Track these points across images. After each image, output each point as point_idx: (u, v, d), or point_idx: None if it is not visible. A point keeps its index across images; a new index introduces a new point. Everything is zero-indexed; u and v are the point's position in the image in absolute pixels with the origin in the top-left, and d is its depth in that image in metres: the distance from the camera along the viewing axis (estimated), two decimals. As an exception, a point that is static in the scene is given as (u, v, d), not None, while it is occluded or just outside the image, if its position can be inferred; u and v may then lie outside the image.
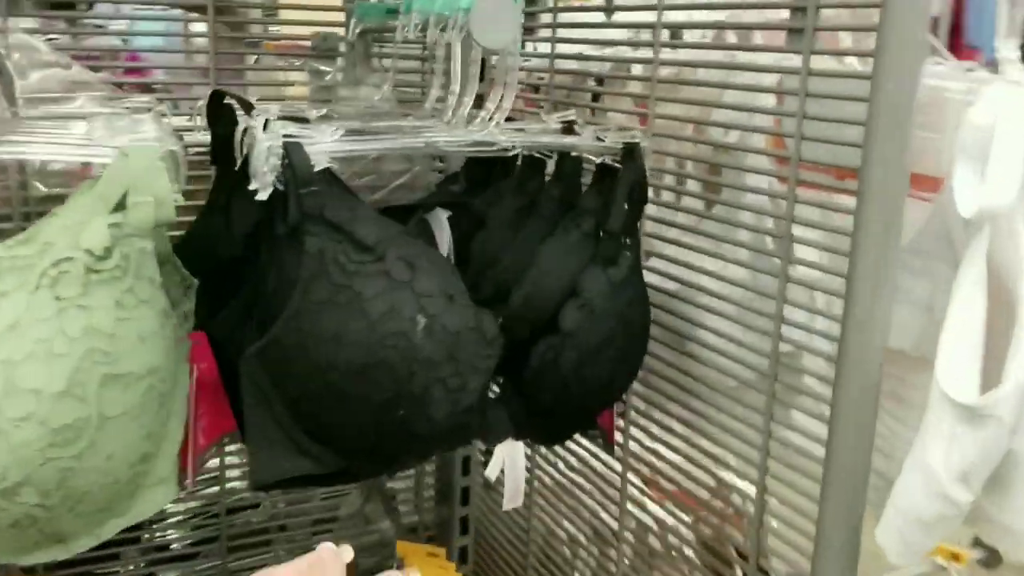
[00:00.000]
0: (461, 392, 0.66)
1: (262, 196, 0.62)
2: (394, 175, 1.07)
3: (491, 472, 0.74)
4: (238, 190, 0.67)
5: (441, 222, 0.85)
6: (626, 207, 0.77)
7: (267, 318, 0.65)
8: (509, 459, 0.75)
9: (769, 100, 0.81)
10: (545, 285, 0.73)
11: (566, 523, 1.13)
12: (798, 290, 0.75)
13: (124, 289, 0.61)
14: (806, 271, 0.74)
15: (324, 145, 0.63)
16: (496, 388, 0.75)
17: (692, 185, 0.94)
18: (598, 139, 0.78)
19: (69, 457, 0.58)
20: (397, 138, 0.70)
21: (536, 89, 1.10)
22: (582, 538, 1.12)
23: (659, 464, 0.93)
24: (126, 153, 0.61)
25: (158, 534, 1.14)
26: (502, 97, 0.73)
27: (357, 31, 0.91)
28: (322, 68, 1.00)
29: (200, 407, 0.73)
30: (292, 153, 0.62)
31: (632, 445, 0.96)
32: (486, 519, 1.28)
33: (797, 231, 0.74)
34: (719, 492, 0.93)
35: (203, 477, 1.09)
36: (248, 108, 0.73)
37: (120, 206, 0.61)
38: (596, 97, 1.03)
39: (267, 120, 0.63)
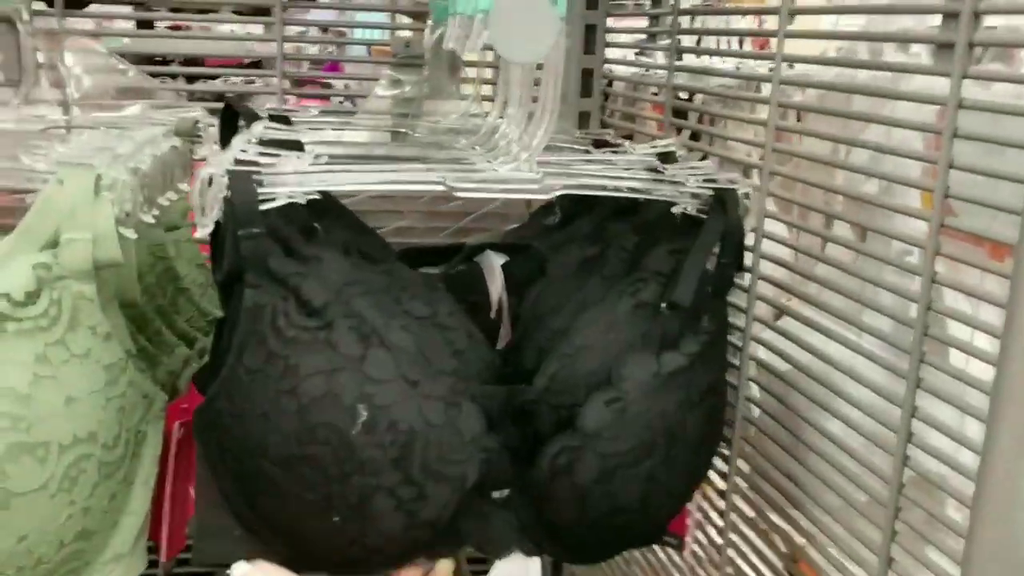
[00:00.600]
0: (420, 503, 0.52)
1: (201, 233, 0.51)
2: (485, 201, 0.94)
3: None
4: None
5: (493, 267, 0.70)
6: (709, 273, 0.60)
7: (207, 379, 0.54)
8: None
9: (918, 142, 0.61)
10: (577, 367, 0.58)
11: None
12: (934, 400, 0.55)
13: (51, 342, 0.51)
14: (942, 379, 0.54)
15: (285, 178, 0.51)
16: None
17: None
18: (676, 180, 0.61)
19: (-36, 538, 0.49)
20: (392, 172, 0.56)
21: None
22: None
23: None
24: (61, 180, 0.51)
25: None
26: (544, 121, 0.58)
27: (435, 35, 0.78)
28: (402, 78, 0.89)
29: (187, 471, 0.64)
30: (234, 186, 0.50)
31: (731, 552, 0.77)
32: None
33: (935, 325, 0.54)
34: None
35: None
36: (251, 120, 0.63)
37: (52, 243, 0.51)
38: (712, 121, 0.86)
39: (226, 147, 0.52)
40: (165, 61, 1.76)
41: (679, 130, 0.89)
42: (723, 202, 0.61)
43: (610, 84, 1.01)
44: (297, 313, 0.51)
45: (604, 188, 0.60)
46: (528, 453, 0.58)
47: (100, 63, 0.82)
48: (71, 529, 0.54)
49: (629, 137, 0.88)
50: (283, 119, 0.72)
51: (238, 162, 0.51)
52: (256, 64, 1.85)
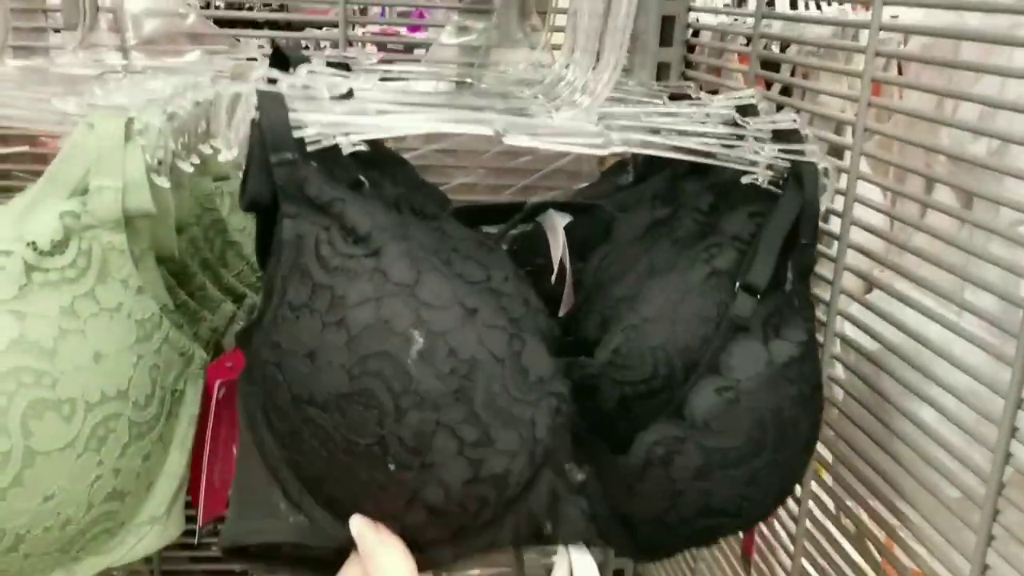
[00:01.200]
0: (485, 449, 0.47)
1: (223, 157, 0.47)
2: (553, 156, 0.89)
3: (546, 585, 0.55)
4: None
5: (555, 228, 0.65)
6: (802, 251, 0.54)
7: (250, 329, 0.50)
8: (581, 570, 0.55)
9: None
10: (645, 338, 0.52)
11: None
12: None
13: (79, 294, 0.49)
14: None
15: (320, 105, 0.47)
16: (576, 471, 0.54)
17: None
18: (756, 136, 0.55)
19: (-10, 494, 0.47)
20: (438, 117, 0.51)
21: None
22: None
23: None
24: (91, 123, 0.48)
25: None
26: (608, 67, 0.52)
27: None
28: (469, 25, 0.84)
29: (230, 433, 0.62)
30: (263, 108, 0.46)
31: (806, 543, 0.72)
32: None
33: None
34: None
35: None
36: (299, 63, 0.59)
37: (81, 190, 0.49)
38: (805, 74, 0.78)
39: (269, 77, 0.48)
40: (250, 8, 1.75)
41: (768, 84, 0.82)
42: (799, 177, 0.55)
43: (696, 34, 0.94)
44: (342, 241, 0.47)
45: (670, 148, 0.54)
46: (589, 430, 0.53)
47: (161, 7, 0.80)
48: (101, 490, 0.52)
49: (715, 92, 0.81)
50: (341, 65, 0.68)
51: (271, 82, 0.47)
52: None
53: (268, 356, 0.49)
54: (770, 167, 0.56)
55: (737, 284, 0.52)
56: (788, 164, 0.55)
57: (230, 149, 0.46)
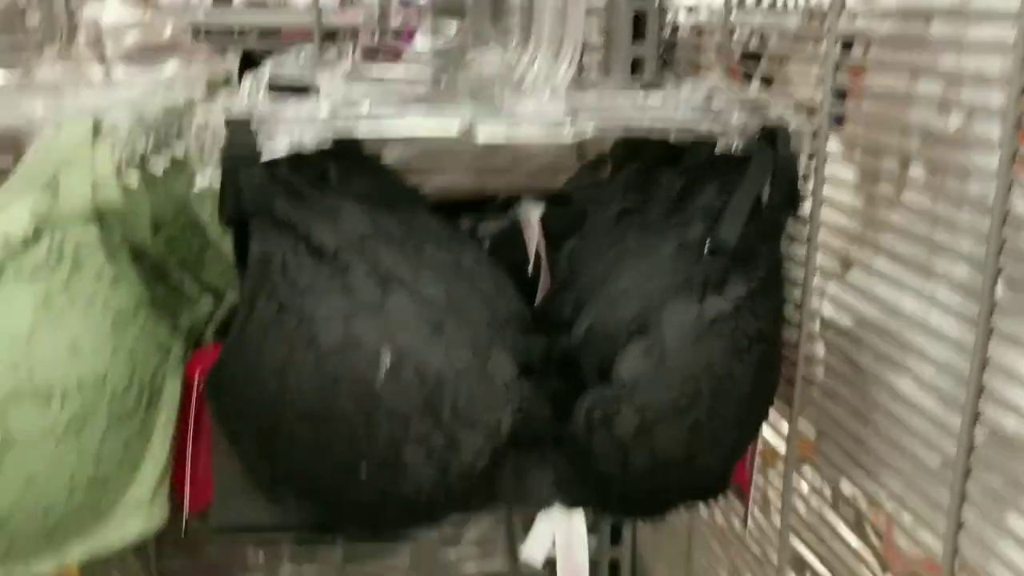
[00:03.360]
0: (452, 453, 0.49)
1: (200, 184, 0.49)
2: (532, 156, 0.89)
3: (530, 551, 0.56)
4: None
5: (530, 220, 0.66)
6: (759, 214, 0.55)
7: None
8: (562, 534, 0.56)
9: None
10: (615, 314, 0.53)
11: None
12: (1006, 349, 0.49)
13: (53, 287, 0.50)
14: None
15: (287, 125, 0.48)
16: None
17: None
18: (722, 112, 0.56)
19: (-33, 481, 0.48)
20: (406, 117, 0.52)
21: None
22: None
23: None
24: (59, 125, 0.49)
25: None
26: (566, 59, 0.53)
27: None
28: (442, 28, 0.85)
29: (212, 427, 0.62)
30: (232, 136, 0.48)
31: (792, 520, 0.72)
32: (646, 560, 1.08)
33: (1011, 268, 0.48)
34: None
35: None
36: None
37: (52, 187, 0.50)
38: (781, 63, 0.79)
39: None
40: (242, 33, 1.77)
41: (747, 76, 0.83)
42: (773, 137, 0.56)
43: (675, 32, 0.96)
44: (309, 259, 0.48)
45: (639, 124, 0.55)
46: (564, 408, 0.54)
47: (139, 20, 0.81)
48: (82, 477, 0.53)
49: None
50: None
51: (236, 110, 0.48)
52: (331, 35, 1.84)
53: (238, 368, 0.50)
54: (742, 133, 0.56)
55: (706, 245, 0.53)
56: (759, 129, 0.56)
57: (203, 175, 0.48)
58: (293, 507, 0.53)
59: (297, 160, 0.49)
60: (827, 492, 0.69)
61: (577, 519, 0.57)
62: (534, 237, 0.66)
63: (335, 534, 0.55)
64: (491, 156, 0.91)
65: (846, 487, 0.67)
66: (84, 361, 0.51)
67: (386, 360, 0.46)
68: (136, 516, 0.58)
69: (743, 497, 0.70)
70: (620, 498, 0.56)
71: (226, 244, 0.69)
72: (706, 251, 0.53)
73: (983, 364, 0.49)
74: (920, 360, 0.56)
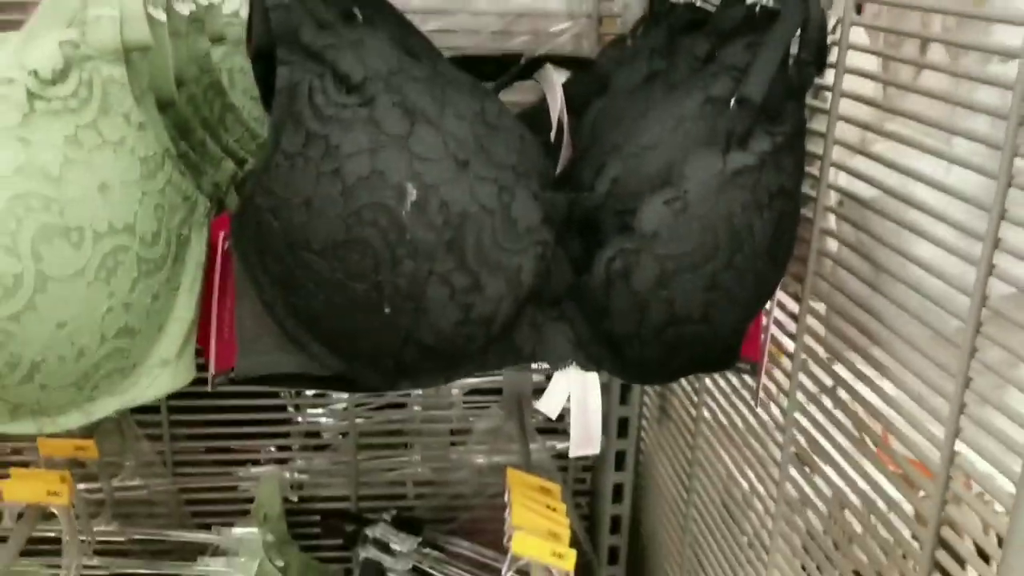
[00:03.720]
0: (474, 295, 0.49)
1: (230, 6, 0.49)
2: (553, 36, 0.89)
3: (547, 405, 0.57)
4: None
5: (553, 84, 0.66)
6: (786, 70, 0.55)
7: (245, 177, 0.52)
8: (576, 393, 0.57)
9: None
10: (639, 167, 0.53)
11: (732, 467, 0.92)
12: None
13: (82, 124, 0.50)
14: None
15: None
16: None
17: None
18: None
19: (4, 318, 0.49)
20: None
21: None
22: (746, 487, 0.91)
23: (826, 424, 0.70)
24: (86, -43, 0.49)
25: (298, 420, 1.09)
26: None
27: None
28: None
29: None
30: None
31: (800, 396, 0.73)
32: (650, 453, 1.10)
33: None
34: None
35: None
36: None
37: (80, 21, 0.50)
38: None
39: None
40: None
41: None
42: None
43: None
44: (335, 89, 0.48)
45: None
46: (584, 264, 0.55)
47: None
48: (113, 323, 0.53)
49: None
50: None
51: None
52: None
53: (263, 203, 0.50)
54: None
55: (732, 99, 0.53)
56: None
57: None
58: (316, 354, 0.54)
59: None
60: (829, 383, 0.70)
61: (592, 379, 0.58)
62: (556, 102, 0.66)
63: (354, 384, 0.55)
64: (508, 37, 0.90)
65: (843, 393, 0.68)
66: (114, 204, 0.51)
67: (412, 193, 0.47)
68: (163, 373, 0.59)
69: (755, 372, 0.71)
70: (634, 359, 0.57)
71: (247, 110, 0.69)
72: (732, 104, 0.53)
73: (994, 243, 0.50)
74: (936, 222, 0.57)
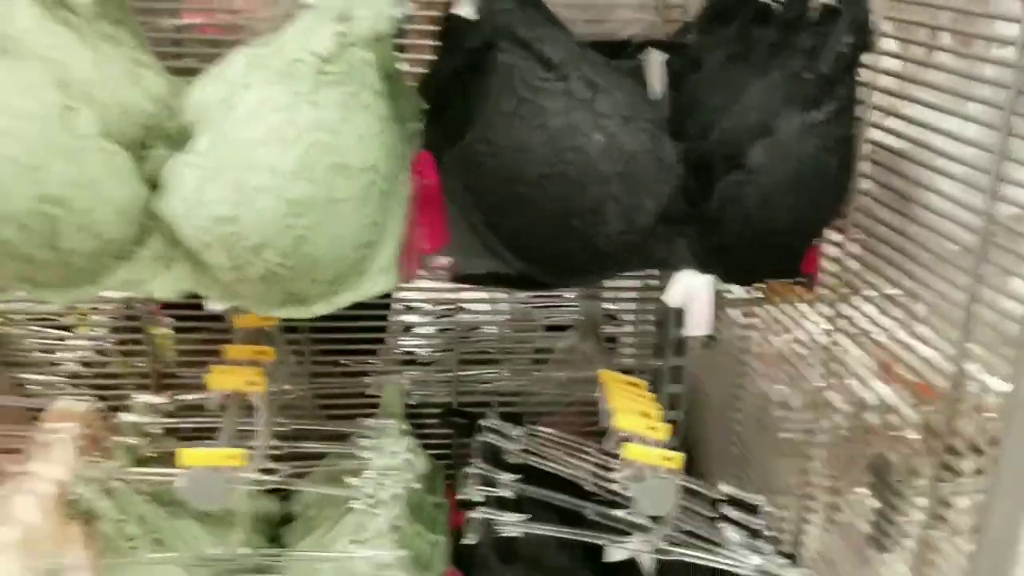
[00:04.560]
0: (635, 211, 0.70)
1: (465, 12, 0.68)
2: (626, 24, 1.08)
3: (670, 297, 0.78)
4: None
5: (654, 63, 0.86)
6: (848, 51, 0.75)
7: (461, 130, 0.72)
8: (691, 287, 0.78)
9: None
10: (740, 123, 0.74)
11: (779, 387, 1.13)
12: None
13: (348, 92, 0.70)
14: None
15: None
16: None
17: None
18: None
19: (302, 227, 0.69)
20: None
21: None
22: (794, 403, 1.12)
23: (873, 332, 0.91)
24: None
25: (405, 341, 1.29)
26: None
27: None
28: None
29: (422, 217, 0.82)
30: None
31: (847, 309, 0.94)
32: (702, 375, 1.31)
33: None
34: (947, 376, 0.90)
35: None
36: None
37: (344, 18, 0.69)
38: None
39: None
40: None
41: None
42: None
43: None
44: (540, 69, 0.68)
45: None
46: (698, 196, 0.75)
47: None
48: (364, 236, 0.73)
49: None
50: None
51: None
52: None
53: (483, 149, 0.71)
54: None
55: (807, 72, 0.73)
56: None
57: (464, 5, 0.68)
58: (508, 260, 0.75)
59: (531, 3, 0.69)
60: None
61: (705, 279, 0.79)
62: (659, 77, 0.86)
63: (533, 283, 0.76)
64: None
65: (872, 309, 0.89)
66: (368, 150, 0.71)
67: (599, 140, 0.67)
68: (380, 277, 0.78)
69: (811, 285, 0.92)
70: (735, 262, 0.78)
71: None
72: (808, 76, 0.73)
73: (1002, 156, 0.70)
74: (950, 162, 0.77)
